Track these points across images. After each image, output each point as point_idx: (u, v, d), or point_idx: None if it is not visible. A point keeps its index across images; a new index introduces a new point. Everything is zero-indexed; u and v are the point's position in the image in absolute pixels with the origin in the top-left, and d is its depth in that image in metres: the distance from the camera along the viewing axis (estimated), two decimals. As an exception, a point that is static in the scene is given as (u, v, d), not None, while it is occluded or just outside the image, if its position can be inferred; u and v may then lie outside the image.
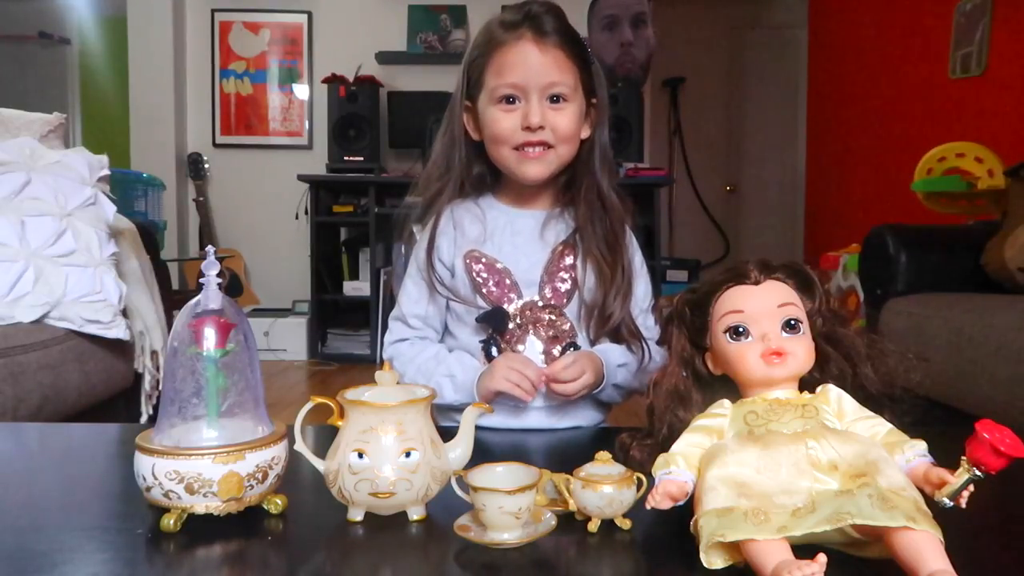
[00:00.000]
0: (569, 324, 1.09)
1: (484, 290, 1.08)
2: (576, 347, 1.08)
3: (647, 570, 0.62)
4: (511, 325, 1.07)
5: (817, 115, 5.17)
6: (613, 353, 1.07)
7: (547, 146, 1.05)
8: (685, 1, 5.44)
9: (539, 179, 1.08)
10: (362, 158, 3.95)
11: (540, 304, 1.08)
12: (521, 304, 1.08)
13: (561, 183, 1.14)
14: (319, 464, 0.68)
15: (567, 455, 0.85)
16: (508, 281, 1.08)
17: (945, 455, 0.59)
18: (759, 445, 0.61)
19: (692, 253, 4.95)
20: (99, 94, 5.55)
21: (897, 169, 3.56)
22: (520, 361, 1.03)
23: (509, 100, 1.04)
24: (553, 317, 1.08)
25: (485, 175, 1.14)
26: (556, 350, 1.08)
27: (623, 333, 1.08)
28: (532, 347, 1.08)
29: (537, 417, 1.07)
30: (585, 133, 1.10)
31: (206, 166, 4.30)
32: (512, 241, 1.10)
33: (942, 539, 0.52)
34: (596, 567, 0.61)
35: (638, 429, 0.79)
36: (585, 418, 1.10)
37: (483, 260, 1.09)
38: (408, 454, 0.65)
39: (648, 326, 1.11)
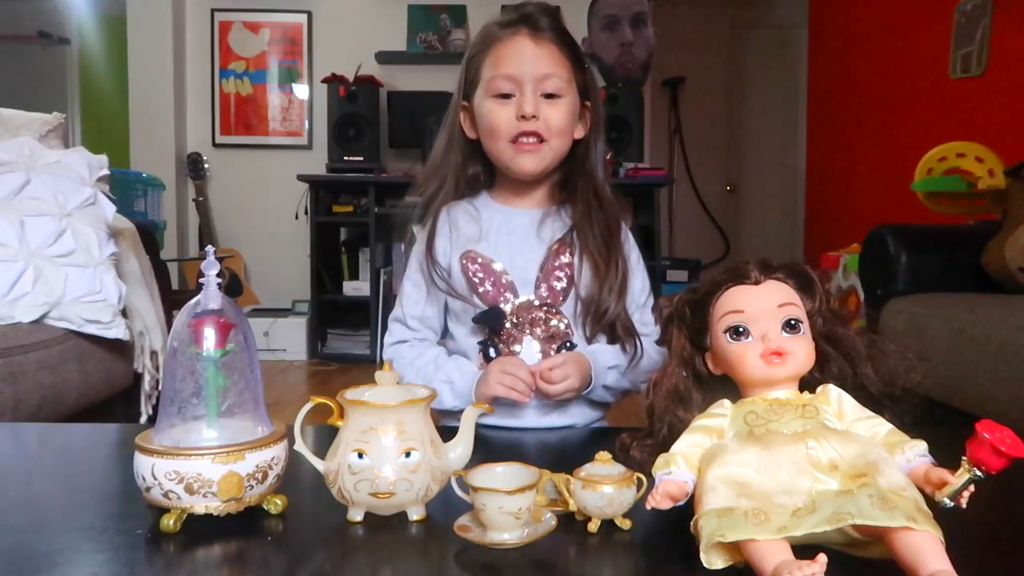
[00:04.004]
0: (565, 323, 1.09)
1: (480, 290, 1.08)
2: (572, 345, 1.09)
3: (647, 570, 0.62)
4: (507, 325, 1.07)
5: (817, 115, 5.17)
6: (604, 355, 1.07)
7: (540, 139, 1.06)
8: (685, 1, 5.44)
9: (533, 172, 1.08)
10: (362, 158, 3.96)
11: (536, 303, 1.08)
12: (517, 304, 1.08)
13: (555, 181, 1.14)
14: (319, 464, 0.68)
15: (567, 455, 0.85)
16: (504, 281, 1.08)
17: (945, 455, 0.59)
18: (759, 445, 0.61)
19: (692, 253, 4.95)
20: (99, 94, 5.55)
21: (897, 169, 3.56)
22: (513, 363, 1.03)
23: (504, 95, 1.05)
24: (549, 316, 1.08)
25: (480, 174, 1.15)
26: (552, 350, 1.08)
27: (618, 330, 1.09)
28: (528, 347, 1.08)
29: (532, 416, 1.07)
30: (579, 133, 1.11)
31: (206, 166, 4.30)
32: (508, 240, 1.11)
33: (942, 539, 0.52)
34: (596, 567, 0.61)
35: (638, 429, 0.79)
36: (581, 416, 1.10)
37: (479, 260, 1.09)
38: (408, 454, 0.65)
39: (645, 321, 1.12)
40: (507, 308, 1.08)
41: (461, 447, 0.70)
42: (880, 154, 4.18)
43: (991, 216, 2.55)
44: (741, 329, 0.67)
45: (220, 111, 4.36)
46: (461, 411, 0.72)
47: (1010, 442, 0.54)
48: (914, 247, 2.24)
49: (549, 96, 1.05)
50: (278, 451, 0.68)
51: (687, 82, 5.56)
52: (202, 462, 0.64)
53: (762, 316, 0.67)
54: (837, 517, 0.53)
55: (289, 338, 4.05)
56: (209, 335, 0.67)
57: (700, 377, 0.73)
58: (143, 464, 0.65)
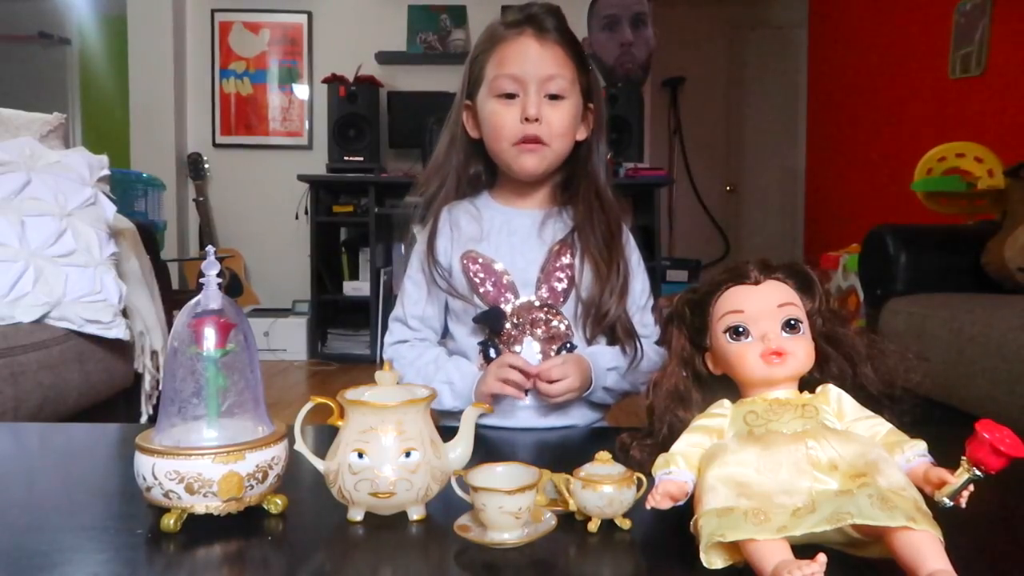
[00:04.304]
0: (566, 324, 1.09)
1: (481, 290, 1.08)
2: (572, 347, 1.09)
3: (647, 570, 0.62)
4: (508, 325, 1.07)
5: (817, 115, 5.17)
6: (604, 357, 1.07)
7: (542, 143, 1.06)
8: (685, 1, 5.44)
9: (535, 172, 1.08)
10: (362, 158, 3.96)
11: (537, 304, 1.08)
12: (518, 304, 1.08)
13: (557, 182, 1.14)
14: (319, 464, 0.68)
15: (567, 455, 0.85)
16: (505, 281, 1.08)
17: (945, 455, 0.59)
18: (759, 445, 0.61)
19: (692, 253, 4.95)
20: (99, 94, 5.55)
21: (897, 169, 3.56)
22: (510, 359, 1.03)
23: (508, 96, 1.05)
24: (550, 317, 1.08)
25: (481, 173, 1.16)
26: (552, 351, 1.08)
27: (618, 332, 1.08)
28: (529, 348, 1.08)
29: (532, 417, 1.07)
30: (582, 135, 1.11)
31: (206, 166, 4.30)
32: (509, 240, 1.11)
33: (942, 539, 0.52)
34: (596, 567, 0.61)
35: (638, 429, 0.79)
36: (581, 417, 1.10)
37: (480, 260, 1.09)
38: (408, 454, 0.65)
39: (645, 323, 1.12)
40: (508, 309, 1.08)
41: (461, 447, 0.70)
42: (880, 154, 4.18)
43: (990, 216, 2.55)
44: (741, 329, 0.67)
45: (220, 111, 4.36)
46: (461, 412, 0.72)
47: (1010, 442, 0.54)
48: (914, 247, 2.24)
49: (553, 97, 1.05)
50: (278, 451, 0.68)
51: (687, 82, 5.56)
52: (202, 462, 0.64)
53: (762, 316, 0.67)
54: (837, 517, 0.53)
55: (289, 338, 4.05)
56: (209, 335, 0.67)
57: (700, 377, 0.73)
58: (143, 464, 0.65)
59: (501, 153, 1.08)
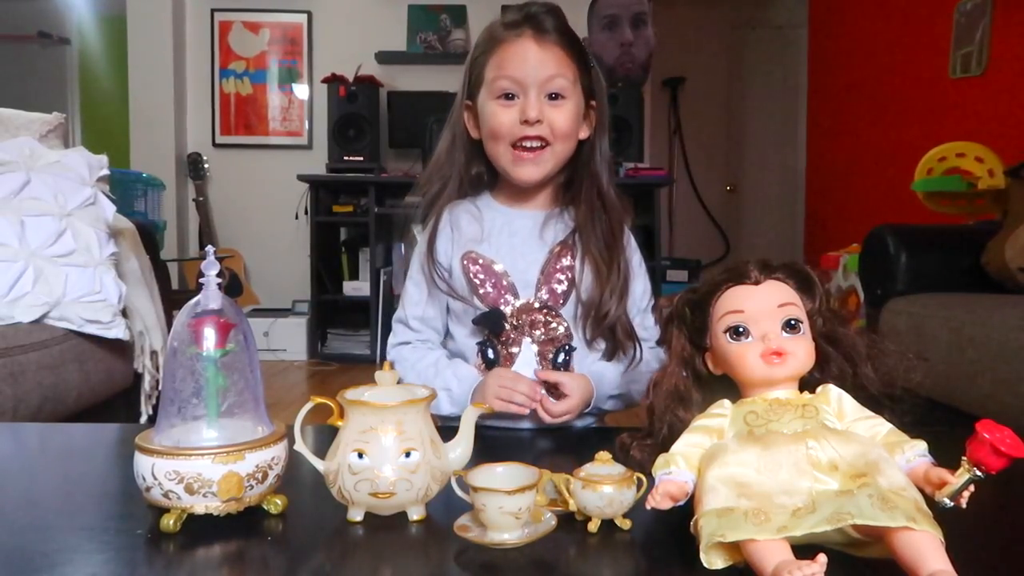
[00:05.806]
0: (565, 326, 1.08)
1: (481, 291, 1.08)
2: (571, 349, 1.08)
3: (647, 570, 0.62)
4: (507, 327, 1.07)
5: (817, 115, 5.17)
6: (609, 383, 1.07)
7: (544, 143, 1.05)
8: (685, 1, 5.44)
9: (532, 181, 1.08)
10: (362, 158, 3.95)
11: (536, 305, 1.08)
12: (518, 306, 1.08)
13: (560, 183, 1.14)
14: (319, 464, 0.68)
15: (567, 455, 0.85)
16: (505, 283, 1.08)
17: (945, 455, 0.59)
18: (759, 445, 0.61)
19: (692, 253, 4.95)
20: (99, 94, 5.55)
21: (897, 169, 3.56)
22: (510, 378, 1.02)
23: (508, 96, 1.05)
24: (549, 319, 1.08)
25: (483, 174, 1.15)
26: (551, 353, 1.08)
27: (618, 334, 1.08)
28: (527, 350, 1.08)
29: (531, 417, 1.06)
30: (584, 134, 1.11)
31: (206, 166, 4.30)
32: (509, 242, 1.10)
33: (942, 539, 0.52)
34: (596, 567, 0.61)
35: (638, 429, 0.79)
36: (580, 418, 1.09)
37: (480, 261, 1.09)
38: (408, 454, 0.65)
39: (646, 326, 1.12)
40: (507, 310, 1.07)
41: (461, 447, 0.70)
42: (880, 154, 4.18)
43: (991, 216, 2.55)
44: (741, 329, 0.67)
45: (220, 111, 4.36)
46: (459, 417, 0.72)
47: (1010, 442, 0.54)
48: (914, 247, 2.24)
49: (554, 97, 1.05)
50: (278, 451, 0.68)
51: (687, 82, 5.56)
52: (202, 462, 0.64)
53: (762, 316, 0.67)
54: (837, 517, 0.53)
55: (289, 338, 4.05)
56: (209, 335, 0.67)
57: (700, 377, 0.73)
58: (143, 464, 0.65)
59: (498, 157, 1.08)
